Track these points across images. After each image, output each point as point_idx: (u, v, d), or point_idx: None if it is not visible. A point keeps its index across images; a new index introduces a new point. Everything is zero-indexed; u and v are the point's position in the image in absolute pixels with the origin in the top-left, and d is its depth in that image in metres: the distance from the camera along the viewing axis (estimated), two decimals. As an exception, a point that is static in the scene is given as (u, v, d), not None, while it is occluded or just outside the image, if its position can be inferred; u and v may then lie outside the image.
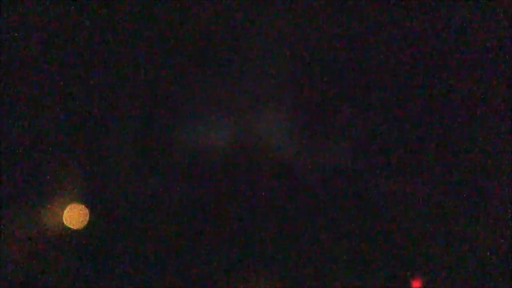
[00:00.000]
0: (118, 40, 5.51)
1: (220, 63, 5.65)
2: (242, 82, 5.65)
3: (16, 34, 5.35)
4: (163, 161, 5.55)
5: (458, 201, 5.53)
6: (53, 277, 5.24)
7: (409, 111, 5.63)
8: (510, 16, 5.53)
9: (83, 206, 5.17)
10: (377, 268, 5.50)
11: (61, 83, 5.45)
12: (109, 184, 5.43)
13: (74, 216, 5.15)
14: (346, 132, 5.67)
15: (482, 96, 5.58)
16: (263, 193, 5.59)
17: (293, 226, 5.58)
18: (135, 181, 5.50)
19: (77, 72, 5.45)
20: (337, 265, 5.52)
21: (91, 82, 5.48)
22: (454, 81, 5.61)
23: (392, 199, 5.58)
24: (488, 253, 5.44)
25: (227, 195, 5.59)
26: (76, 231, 5.16)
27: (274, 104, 5.68)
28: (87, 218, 5.15)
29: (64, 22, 5.43)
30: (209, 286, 5.48)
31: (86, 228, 5.18)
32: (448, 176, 5.57)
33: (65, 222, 5.17)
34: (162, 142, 5.57)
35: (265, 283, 5.50)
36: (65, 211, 5.16)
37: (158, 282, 5.44)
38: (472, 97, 5.59)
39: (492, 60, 5.57)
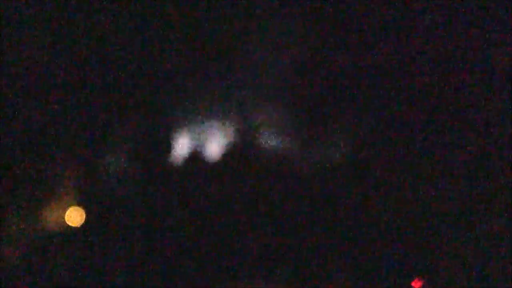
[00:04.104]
0: (119, 42, 5.53)
1: (221, 64, 5.66)
2: (242, 83, 5.66)
3: (16, 34, 5.39)
4: (161, 163, 5.59)
5: (458, 202, 5.53)
6: (54, 272, 5.36)
7: (408, 111, 5.63)
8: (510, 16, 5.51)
9: (82, 208, 5.47)
10: (378, 268, 5.50)
11: (63, 88, 5.49)
12: (106, 187, 5.53)
13: (74, 216, 5.44)
14: (346, 133, 5.67)
15: (483, 96, 5.57)
16: (263, 194, 5.61)
17: (293, 226, 5.60)
18: (132, 184, 5.56)
19: (77, 76, 5.49)
20: (337, 265, 5.53)
21: (91, 88, 5.51)
22: (454, 81, 5.61)
23: (392, 199, 5.58)
24: (488, 254, 5.43)
25: (224, 195, 5.61)
26: (76, 229, 5.45)
27: (274, 104, 5.69)
28: (84, 218, 5.44)
29: (64, 22, 5.46)
30: (207, 284, 5.51)
31: (84, 226, 5.46)
32: (447, 176, 5.56)
33: (66, 221, 5.44)
34: (159, 146, 5.60)
35: (266, 283, 5.52)
36: (67, 212, 5.44)
37: (153, 279, 5.49)
38: (472, 97, 5.58)
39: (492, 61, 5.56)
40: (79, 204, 5.48)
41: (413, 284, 5.45)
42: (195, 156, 5.62)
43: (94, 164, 5.49)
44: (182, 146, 5.60)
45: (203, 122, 5.62)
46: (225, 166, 5.64)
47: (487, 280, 5.37)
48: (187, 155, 5.62)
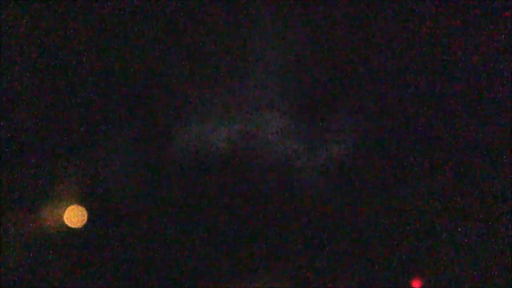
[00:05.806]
0: (119, 41, 5.53)
1: (221, 64, 5.67)
2: (242, 83, 5.67)
3: (15, 34, 5.38)
4: (161, 163, 5.59)
5: (458, 202, 5.53)
6: (53, 274, 5.34)
7: (408, 112, 5.64)
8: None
9: (82, 207, 5.44)
10: (378, 268, 5.51)
11: (62, 87, 5.49)
12: (107, 186, 5.51)
13: (74, 216, 5.40)
14: (346, 133, 5.68)
15: (483, 95, 5.58)
16: (263, 194, 5.61)
17: (293, 226, 5.60)
18: (132, 183, 5.55)
19: (77, 75, 5.49)
20: (337, 265, 5.53)
21: (91, 86, 5.51)
22: (453, 81, 5.61)
23: (392, 200, 5.59)
24: (488, 254, 5.44)
25: (224, 195, 5.61)
26: (76, 230, 5.41)
27: (275, 105, 5.69)
28: (85, 218, 5.41)
29: (63, 23, 5.46)
30: (209, 284, 5.51)
31: (85, 227, 5.43)
32: (447, 176, 5.57)
33: (65, 222, 5.40)
34: (160, 145, 5.60)
35: (265, 283, 5.52)
36: (66, 212, 5.40)
37: (154, 280, 5.49)
38: (472, 97, 5.59)
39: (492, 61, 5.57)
40: (79, 203, 5.45)
41: (413, 284, 5.46)
42: (197, 155, 5.62)
43: (94, 163, 5.48)
44: (183, 145, 5.60)
45: (203, 122, 5.62)
46: (225, 166, 5.64)
47: (487, 280, 5.38)
48: (188, 154, 5.62)
